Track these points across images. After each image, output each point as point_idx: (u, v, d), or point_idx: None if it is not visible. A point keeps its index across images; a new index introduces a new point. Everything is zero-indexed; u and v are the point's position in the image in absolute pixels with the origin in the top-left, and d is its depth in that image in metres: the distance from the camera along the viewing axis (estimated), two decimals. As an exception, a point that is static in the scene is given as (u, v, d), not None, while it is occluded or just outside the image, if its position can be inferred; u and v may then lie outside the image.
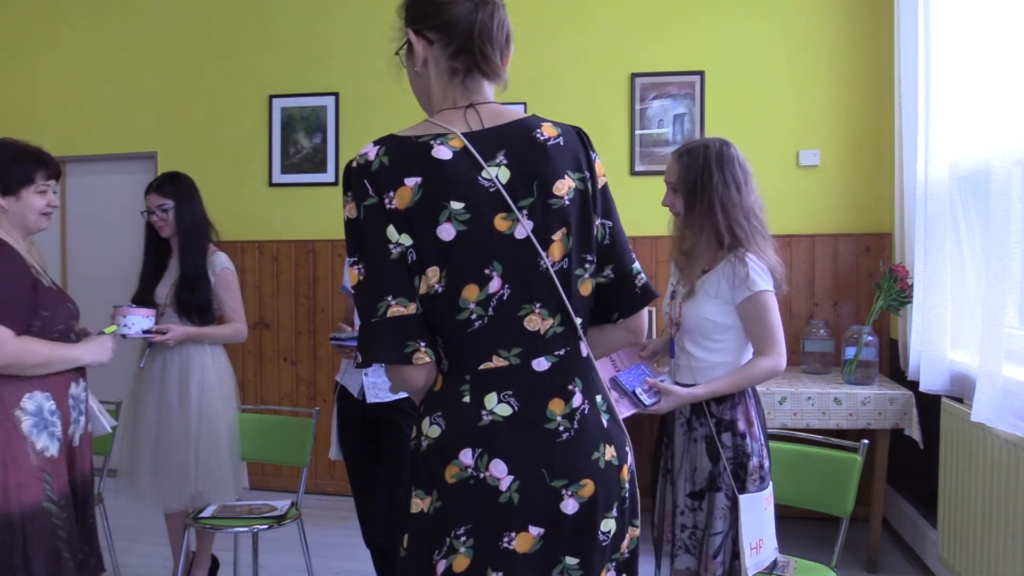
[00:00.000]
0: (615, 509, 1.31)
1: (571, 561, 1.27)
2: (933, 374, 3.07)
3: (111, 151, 4.85)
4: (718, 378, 2.10)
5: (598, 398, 1.33)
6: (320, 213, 4.59)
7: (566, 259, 1.29)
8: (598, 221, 1.34)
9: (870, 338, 3.53)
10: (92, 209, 5.02)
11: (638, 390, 2.12)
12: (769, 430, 2.22)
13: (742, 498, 2.04)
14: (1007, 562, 2.37)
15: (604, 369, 2.07)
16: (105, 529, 3.11)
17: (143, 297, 2.96)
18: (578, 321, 1.31)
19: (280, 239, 4.64)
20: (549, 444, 1.26)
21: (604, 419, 1.33)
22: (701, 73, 4.18)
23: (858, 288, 4.07)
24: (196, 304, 2.89)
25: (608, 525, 1.30)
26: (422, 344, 1.25)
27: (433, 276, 1.24)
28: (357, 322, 2.82)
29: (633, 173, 4.25)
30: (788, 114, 4.12)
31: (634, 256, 1.40)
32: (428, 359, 1.25)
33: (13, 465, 1.96)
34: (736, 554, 2.06)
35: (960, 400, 2.88)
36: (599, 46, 4.29)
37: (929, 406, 3.19)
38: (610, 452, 1.31)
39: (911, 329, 3.36)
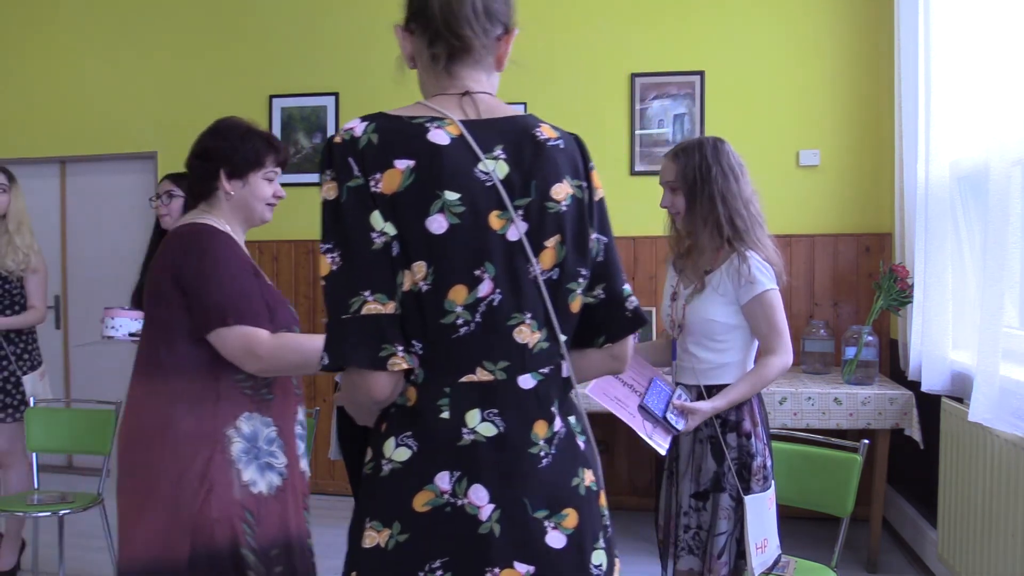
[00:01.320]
0: (601, 539, 1.21)
1: None
2: (934, 374, 3.07)
3: (111, 151, 4.85)
4: (734, 386, 2.08)
5: (571, 419, 1.22)
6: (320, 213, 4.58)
7: (557, 269, 1.18)
8: (594, 235, 1.24)
9: (870, 338, 3.53)
10: (92, 209, 5.01)
11: (668, 415, 2.05)
12: (770, 430, 2.22)
13: (747, 498, 2.04)
14: (1007, 562, 2.37)
15: (617, 390, 2.03)
16: (105, 529, 3.14)
17: (139, 293, 2.96)
18: (563, 339, 1.20)
19: (280, 239, 4.64)
20: (531, 471, 1.15)
21: (580, 441, 1.22)
22: (701, 73, 4.18)
23: (858, 288, 4.07)
24: None
25: (599, 557, 1.19)
26: (399, 348, 1.10)
27: (419, 271, 1.11)
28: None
29: (633, 173, 4.25)
30: (788, 114, 4.12)
31: (625, 278, 1.29)
32: (405, 365, 1.11)
33: (214, 492, 1.55)
34: (740, 554, 2.07)
35: (960, 400, 2.88)
36: (599, 46, 4.29)
37: (929, 406, 3.19)
38: (589, 476, 1.22)
39: (911, 329, 3.36)
